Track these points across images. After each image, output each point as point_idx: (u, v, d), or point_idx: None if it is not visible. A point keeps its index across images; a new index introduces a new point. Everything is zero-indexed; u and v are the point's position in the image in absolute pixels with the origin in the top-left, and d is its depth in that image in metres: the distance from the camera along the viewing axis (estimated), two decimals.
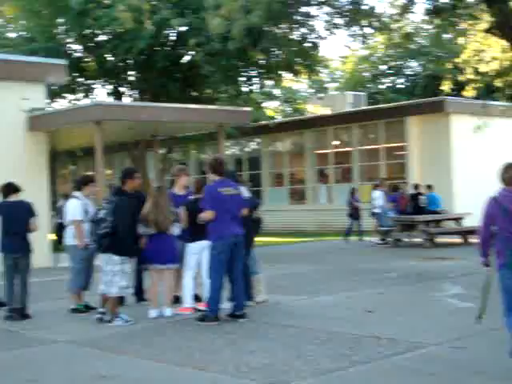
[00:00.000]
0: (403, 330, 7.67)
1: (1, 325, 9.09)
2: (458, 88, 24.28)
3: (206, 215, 8.51)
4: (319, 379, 5.86)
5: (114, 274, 8.54)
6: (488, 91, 25.31)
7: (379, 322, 8.23)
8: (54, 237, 16.27)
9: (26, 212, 9.53)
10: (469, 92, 19.80)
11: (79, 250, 9.49)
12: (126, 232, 8.50)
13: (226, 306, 8.91)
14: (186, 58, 24.00)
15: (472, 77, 19.45)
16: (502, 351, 6.51)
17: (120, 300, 9.86)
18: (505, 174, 5.96)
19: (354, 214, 20.63)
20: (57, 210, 10.75)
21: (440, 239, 18.39)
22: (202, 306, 9.00)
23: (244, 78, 24.71)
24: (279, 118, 30.21)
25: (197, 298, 9.51)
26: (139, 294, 10.23)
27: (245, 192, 9.48)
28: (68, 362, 6.98)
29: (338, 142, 27.50)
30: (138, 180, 9.02)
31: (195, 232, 8.97)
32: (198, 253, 9.16)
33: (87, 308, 9.61)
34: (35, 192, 11.06)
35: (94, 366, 6.71)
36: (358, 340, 7.20)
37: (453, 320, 8.17)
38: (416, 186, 20.50)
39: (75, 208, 9.56)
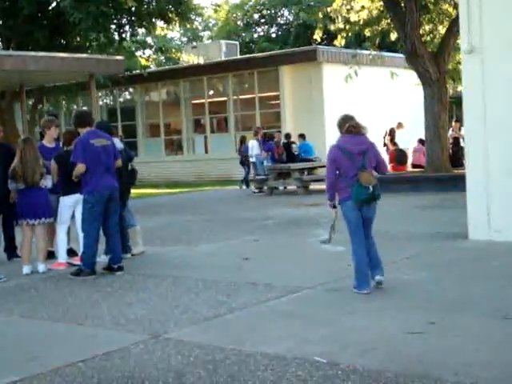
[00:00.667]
0: (279, 275, 7.85)
1: None
2: (330, 37, 24.73)
3: (78, 169, 8.28)
4: (198, 327, 5.91)
5: None
6: (358, 40, 25.91)
7: (256, 268, 8.38)
8: None
9: None
10: (340, 41, 20.15)
11: None
12: None
13: (102, 259, 8.80)
14: (54, 4, 23.01)
15: (342, 26, 19.78)
16: (374, 292, 6.80)
17: None
18: (343, 125, 6.92)
19: (245, 161, 20.74)
20: None
21: (313, 186, 18.84)
22: (76, 261, 8.83)
23: (115, 26, 24.01)
24: (153, 68, 29.67)
25: (72, 253, 9.33)
26: (10, 250, 9.92)
27: (118, 144, 9.30)
28: None
29: (212, 92, 27.42)
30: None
31: (68, 185, 8.74)
32: (71, 206, 8.96)
33: None
34: None
35: None
36: (235, 287, 7.30)
37: (326, 264, 8.44)
38: (287, 135, 20.86)
39: None
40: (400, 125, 22.24)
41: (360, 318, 5.94)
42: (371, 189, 6.73)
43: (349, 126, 6.87)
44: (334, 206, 6.98)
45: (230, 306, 6.50)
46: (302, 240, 10.41)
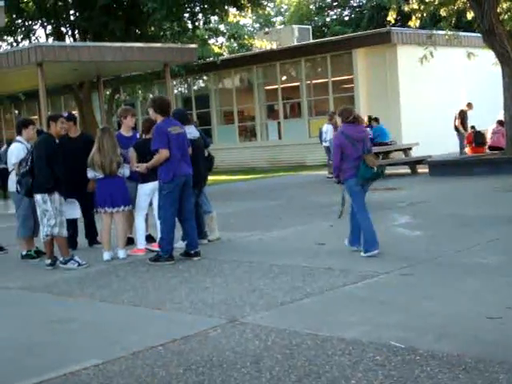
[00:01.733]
0: (354, 260, 7.81)
1: None
2: (404, 18, 24.29)
3: (161, 155, 8.40)
4: (274, 311, 5.95)
5: (42, 214, 8.48)
6: (433, 20, 25.36)
7: (331, 253, 8.36)
8: None
9: None
10: (414, 22, 19.78)
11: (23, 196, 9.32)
12: (40, 169, 8.39)
13: (179, 245, 8.94)
14: None
15: (417, 6, 19.40)
16: (450, 277, 6.70)
17: (72, 244, 9.83)
18: (346, 116, 8.08)
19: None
20: (0, 156, 10.52)
21: (389, 170, 18.61)
22: (154, 247, 9.00)
23: (188, 15, 24.25)
24: (226, 55, 29.85)
25: (150, 239, 9.51)
26: (91, 237, 10.18)
27: (194, 131, 9.41)
28: (22, 308, 6.95)
29: (285, 77, 27.38)
30: (62, 125, 8.73)
31: (146, 173, 8.89)
32: (149, 194, 9.12)
33: (38, 254, 9.51)
34: None
35: (48, 310, 6.70)
36: (310, 272, 7.31)
37: (401, 249, 8.34)
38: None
39: (19, 152, 9.34)
40: (469, 105, 21.73)
41: (437, 302, 5.86)
42: (375, 169, 8.01)
43: (353, 117, 8.14)
44: (339, 182, 8.25)
45: (306, 291, 6.52)
46: (377, 224, 10.30)
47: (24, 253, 9.53)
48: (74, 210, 9.14)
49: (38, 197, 8.46)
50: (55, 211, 8.47)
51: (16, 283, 8.08)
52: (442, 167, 17.53)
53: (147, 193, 9.11)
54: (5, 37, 25.51)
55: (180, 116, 9.34)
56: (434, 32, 22.20)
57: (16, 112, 36.12)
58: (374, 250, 7.89)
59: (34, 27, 25.38)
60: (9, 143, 9.72)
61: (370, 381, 4.21)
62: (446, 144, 22.65)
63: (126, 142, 9.35)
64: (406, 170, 18.76)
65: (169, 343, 5.24)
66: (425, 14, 20.04)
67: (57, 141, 8.66)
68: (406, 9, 19.95)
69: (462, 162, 18.23)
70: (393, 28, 24.28)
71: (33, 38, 25.28)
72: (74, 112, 17.05)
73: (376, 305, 5.94)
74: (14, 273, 8.81)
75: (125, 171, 9.04)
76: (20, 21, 24.90)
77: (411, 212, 11.30)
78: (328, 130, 19.59)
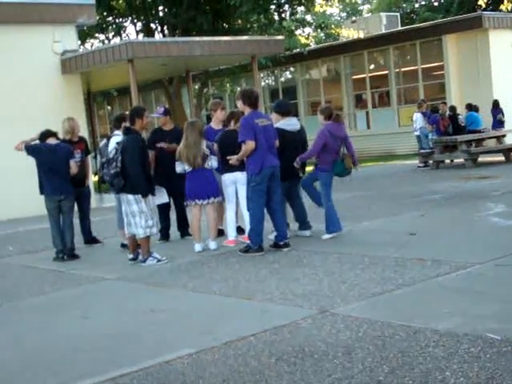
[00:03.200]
0: (447, 250, 7.66)
1: (50, 266, 9.33)
2: (495, 2, 23.55)
3: (248, 147, 8.46)
4: (365, 302, 5.91)
5: (132, 214, 8.55)
6: None
7: (422, 244, 8.22)
8: (97, 177, 16.52)
9: (65, 154, 9.64)
10: (506, 5, 19.13)
11: None
12: (135, 170, 8.40)
13: (271, 236, 8.99)
14: None
15: None
16: None
17: (165, 237, 10.05)
18: (327, 114, 9.30)
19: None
20: (99, 150, 10.83)
21: (482, 159, 18.14)
22: (245, 240, 9.07)
23: (275, 6, 24.27)
24: (312, 45, 29.72)
25: (241, 230, 9.59)
26: (182, 228, 10.37)
27: (296, 123, 9.44)
28: (117, 299, 7.16)
29: (373, 66, 27.04)
30: (147, 119, 8.75)
31: (226, 163, 8.97)
32: (230, 184, 9.18)
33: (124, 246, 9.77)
34: None
35: (143, 300, 6.87)
36: (401, 263, 7.21)
37: (497, 238, 8.12)
38: (452, 108, 20.07)
39: None
40: None
41: None
42: (349, 170, 9.40)
43: (335, 116, 9.29)
44: (301, 168, 9.33)
45: (398, 282, 6.44)
46: (470, 214, 10.08)
47: (123, 242, 9.79)
48: (162, 197, 9.30)
49: (130, 197, 8.50)
50: (151, 212, 8.65)
51: (111, 274, 8.33)
52: None
53: (228, 183, 9.20)
54: (96, 34, 26.23)
55: (282, 107, 9.43)
56: None
57: (109, 108, 37.12)
58: (338, 230, 9.15)
59: (125, 24, 26.00)
60: (108, 138, 9.94)
61: (464, 373, 4.12)
62: None
63: (215, 134, 9.46)
64: (500, 157, 18.22)
65: (260, 333, 5.28)
66: None
67: (143, 135, 8.78)
68: None
69: None
70: (484, 12, 23.57)
71: (123, 34, 25.90)
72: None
73: (470, 296, 5.81)
74: (109, 264, 9.09)
75: (213, 163, 9.13)
76: (111, 18, 25.55)
77: (506, 201, 10.97)
78: (417, 118, 19.24)
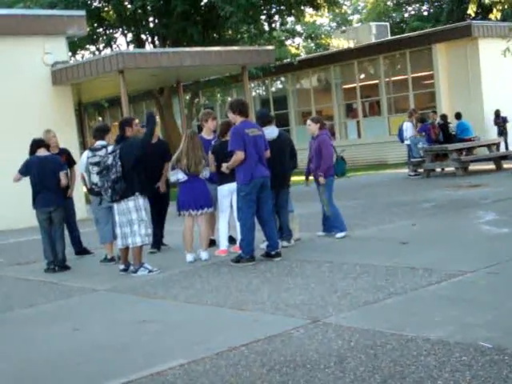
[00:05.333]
0: (438, 259, 7.67)
1: (42, 277, 9.29)
2: (484, 11, 23.68)
3: (237, 157, 8.47)
4: (357, 311, 5.91)
5: (131, 223, 8.53)
6: None
7: (414, 252, 8.24)
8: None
9: (54, 166, 9.61)
10: (495, 14, 19.25)
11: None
12: (136, 174, 8.49)
13: (262, 245, 8.99)
14: (205, 0, 23.67)
15: None
16: None
17: (157, 246, 10.07)
18: (322, 123, 10.15)
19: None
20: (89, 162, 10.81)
21: (473, 167, 18.21)
22: (236, 250, 9.06)
23: (265, 17, 24.33)
24: (303, 55, 29.79)
25: (232, 240, 9.59)
26: (158, 239, 10.42)
27: (274, 131, 9.44)
28: (109, 310, 7.13)
29: (363, 76, 27.13)
30: (136, 127, 8.96)
31: (224, 174, 8.97)
32: (227, 195, 9.19)
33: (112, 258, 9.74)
34: (65, 145, 11.10)
35: (134, 311, 6.85)
36: (393, 271, 7.22)
37: (488, 246, 8.14)
38: (443, 116, 20.18)
39: None
40: None
41: None
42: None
43: (325, 125, 10.16)
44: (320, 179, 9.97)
45: (389, 291, 6.44)
46: (461, 222, 10.11)
47: (109, 256, 9.73)
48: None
49: (130, 204, 8.49)
50: (148, 220, 8.66)
51: (103, 285, 8.30)
52: None
53: (225, 194, 9.19)
54: (87, 45, 26.22)
55: (262, 116, 9.46)
56: None
57: (100, 119, 37.07)
58: (346, 230, 9.77)
59: (115, 35, 25.99)
60: (92, 149, 9.91)
61: (456, 381, 4.12)
62: None
63: (207, 144, 9.48)
64: (490, 165, 18.29)
65: (252, 343, 5.27)
66: (506, 6, 19.46)
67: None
68: (487, 1, 19.43)
69: None
70: (473, 21, 23.72)
71: (114, 45, 25.90)
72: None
73: (462, 304, 5.81)
74: (100, 275, 9.05)
75: (206, 173, 9.15)
76: (101, 29, 25.54)
77: (497, 209, 11.01)
78: (408, 127, 19.30)
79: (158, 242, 10.26)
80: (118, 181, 8.44)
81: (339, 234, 9.74)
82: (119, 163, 8.46)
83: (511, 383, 4.02)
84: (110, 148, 9.05)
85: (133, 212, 8.52)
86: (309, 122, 10.19)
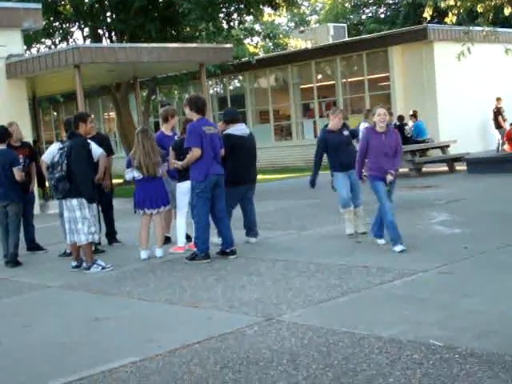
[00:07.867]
0: (391, 258, 7.75)
1: None
2: (440, 15, 24.00)
3: (194, 154, 8.42)
4: (311, 309, 5.93)
5: (75, 221, 8.43)
6: (470, 17, 25.02)
7: (367, 251, 8.30)
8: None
9: (7, 160, 9.43)
10: (451, 18, 19.54)
11: None
12: (81, 175, 8.32)
13: (215, 240, 8.99)
14: None
15: (453, 2, 19.16)
16: (490, 275, 6.61)
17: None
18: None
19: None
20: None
21: (426, 168, 18.45)
22: (191, 247, 9.03)
23: (223, 15, 24.28)
24: (261, 54, 29.83)
25: (188, 238, 9.54)
26: (110, 236, 10.34)
27: (245, 129, 9.47)
28: (61, 307, 7.04)
29: (321, 76, 27.27)
30: (91, 124, 8.83)
31: (184, 171, 8.92)
32: (186, 193, 9.13)
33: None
34: None
35: (87, 308, 6.77)
36: (347, 270, 7.27)
37: (440, 246, 8.25)
38: (400, 118, 20.40)
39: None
40: (499, 99, 21.79)
41: (476, 300, 5.78)
42: None
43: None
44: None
45: (343, 289, 6.48)
46: (415, 223, 10.22)
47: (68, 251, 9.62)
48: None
49: (74, 202, 8.37)
50: (94, 218, 8.54)
51: (55, 282, 8.19)
52: (480, 164, 17.28)
53: (184, 191, 9.14)
54: (43, 39, 25.83)
55: (231, 115, 9.46)
56: (471, 28, 21.89)
57: (55, 113, 36.58)
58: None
59: (72, 29, 25.64)
60: (62, 141, 9.77)
61: (407, 379, 4.16)
62: (484, 141, 22.33)
63: (167, 141, 9.43)
64: (443, 167, 18.56)
65: (205, 341, 5.25)
66: (461, 11, 19.77)
67: (89, 141, 8.72)
68: (443, 5, 19.70)
69: (500, 159, 17.96)
70: (429, 25, 24.00)
71: (70, 40, 25.55)
72: (111, 113, 17.19)
73: (414, 303, 5.88)
74: (52, 272, 8.93)
75: (163, 170, 9.09)
76: (57, 23, 25.18)
77: (449, 210, 11.17)
78: (364, 128, 19.42)
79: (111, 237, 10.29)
80: (62, 180, 8.31)
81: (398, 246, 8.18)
82: (65, 162, 8.32)
83: (461, 381, 4.08)
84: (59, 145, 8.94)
85: (76, 210, 8.40)
86: (385, 111, 8.76)
